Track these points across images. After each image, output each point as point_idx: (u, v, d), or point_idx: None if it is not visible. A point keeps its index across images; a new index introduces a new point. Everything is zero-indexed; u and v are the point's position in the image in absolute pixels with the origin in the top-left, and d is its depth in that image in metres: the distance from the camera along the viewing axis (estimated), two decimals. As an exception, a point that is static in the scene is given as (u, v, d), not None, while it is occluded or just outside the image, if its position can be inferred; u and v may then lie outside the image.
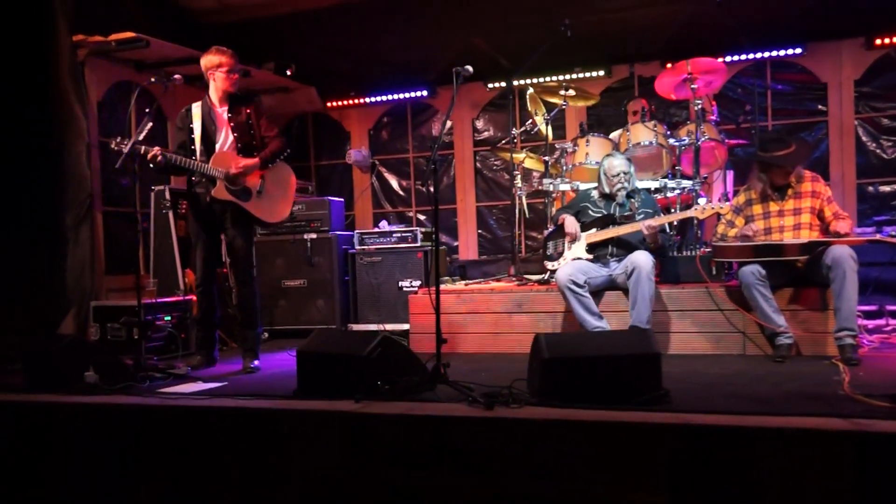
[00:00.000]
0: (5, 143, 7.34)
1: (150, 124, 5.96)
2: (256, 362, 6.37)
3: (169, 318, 7.21)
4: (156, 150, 5.91)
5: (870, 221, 8.99)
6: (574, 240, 6.68)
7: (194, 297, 7.52)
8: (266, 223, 6.55)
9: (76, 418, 4.92)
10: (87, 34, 7.80)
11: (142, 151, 5.88)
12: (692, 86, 7.26)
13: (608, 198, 6.75)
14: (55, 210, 7.62)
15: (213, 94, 6.33)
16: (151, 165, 5.98)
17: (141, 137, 5.85)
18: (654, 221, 6.34)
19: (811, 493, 3.47)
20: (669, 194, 7.35)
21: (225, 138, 6.29)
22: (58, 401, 5.07)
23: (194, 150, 6.21)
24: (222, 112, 6.30)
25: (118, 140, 5.89)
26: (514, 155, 8.27)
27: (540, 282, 7.22)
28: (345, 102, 11.15)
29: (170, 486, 4.66)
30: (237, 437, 4.52)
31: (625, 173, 6.65)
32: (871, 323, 6.57)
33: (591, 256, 6.58)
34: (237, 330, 6.65)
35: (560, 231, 6.83)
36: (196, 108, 6.29)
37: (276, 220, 6.59)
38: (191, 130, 6.24)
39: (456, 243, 10.96)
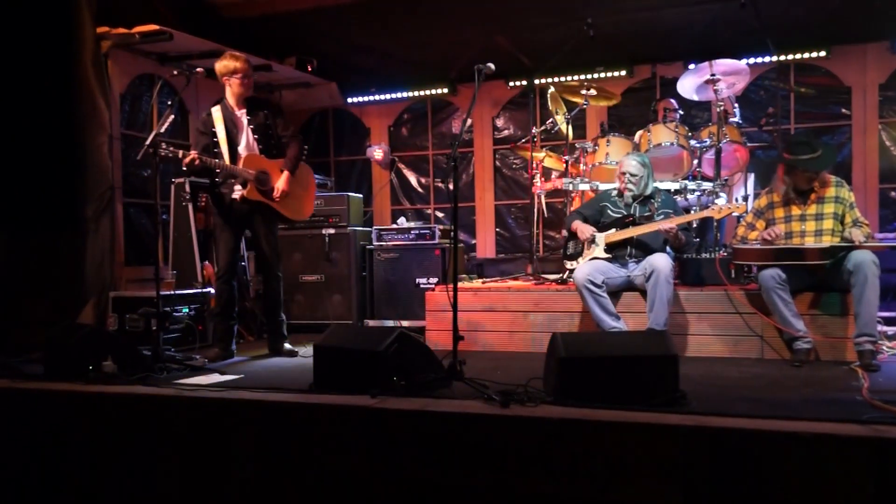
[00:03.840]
0: (27, 134, 7.37)
1: (172, 117, 6.01)
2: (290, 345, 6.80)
3: (187, 309, 7.22)
4: (192, 154, 6.09)
5: (891, 227, 8.93)
6: (591, 241, 6.66)
7: (212, 290, 7.57)
8: (293, 221, 6.87)
9: (94, 408, 4.95)
10: (112, 26, 7.83)
11: (180, 156, 6.03)
12: (714, 87, 7.22)
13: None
14: (76, 201, 7.64)
15: (230, 97, 6.50)
16: (185, 168, 6.16)
17: (162, 130, 5.93)
18: (671, 222, 6.31)
19: (829, 499, 3.45)
20: (689, 196, 7.32)
21: (247, 140, 6.48)
22: (76, 390, 5.10)
23: (218, 153, 6.38)
24: (241, 115, 6.49)
25: (156, 142, 6.03)
26: (533, 153, 8.25)
27: (558, 281, 7.21)
28: (365, 98, 11.15)
29: (185, 477, 4.69)
30: (253, 429, 4.54)
31: (632, 175, 6.62)
32: (890, 329, 6.52)
33: (608, 256, 6.56)
34: (267, 321, 6.96)
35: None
36: (217, 112, 6.45)
37: (303, 218, 6.94)
38: (213, 134, 6.40)
39: (474, 241, 10.95)
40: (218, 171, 6.36)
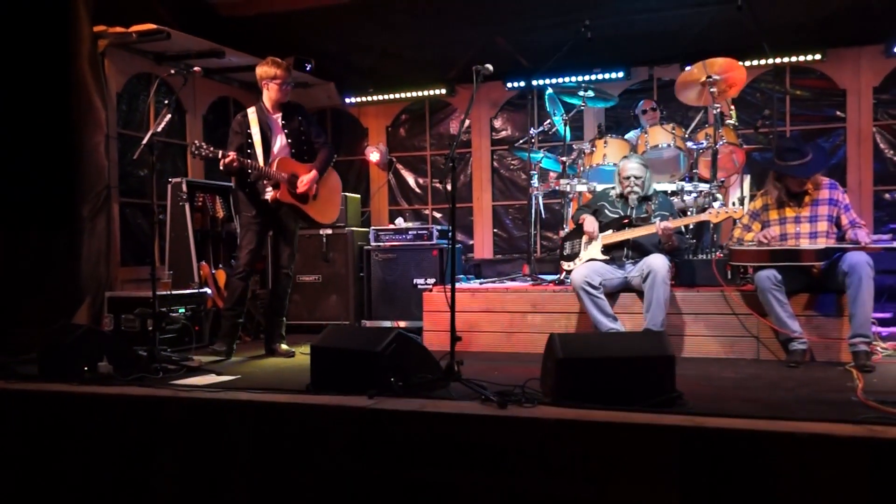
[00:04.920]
0: (23, 133, 7.35)
1: (169, 116, 6.01)
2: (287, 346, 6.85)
3: (183, 310, 7.22)
4: (231, 155, 6.18)
5: (886, 229, 8.93)
6: (591, 239, 6.67)
7: (209, 290, 7.57)
8: (320, 224, 7.08)
9: (89, 409, 4.94)
10: (109, 25, 7.83)
11: (219, 156, 6.18)
12: (711, 89, 7.23)
13: (625, 199, 6.73)
14: (72, 200, 7.63)
15: (267, 101, 6.61)
16: (222, 168, 6.27)
17: (159, 129, 5.92)
18: (670, 223, 6.33)
19: (825, 499, 3.46)
20: (686, 197, 7.32)
21: (280, 143, 6.59)
22: (71, 391, 5.08)
23: (251, 154, 6.47)
24: (277, 118, 6.61)
25: (196, 145, 6.21)
26: (531, 155, 8.25)
27: (555, 282, 7.21)
28: (363, 99, 11.16)
29: (182, 479, 4.68)
30: (250, 430, 4.53)
31: (636, 177, 6.64)
32: (885, 330, 6.53)
33: (606, 257, 6.56)
34: (267, 319, 7.08)
35: (577, 231, 6.82)
36: (252, 114, 6.55)
37: (329, 222, 7.12)
38: (248, 135, 6.50)
39: (471, 242, 10.96)
40: (252, 172, 6.42)
